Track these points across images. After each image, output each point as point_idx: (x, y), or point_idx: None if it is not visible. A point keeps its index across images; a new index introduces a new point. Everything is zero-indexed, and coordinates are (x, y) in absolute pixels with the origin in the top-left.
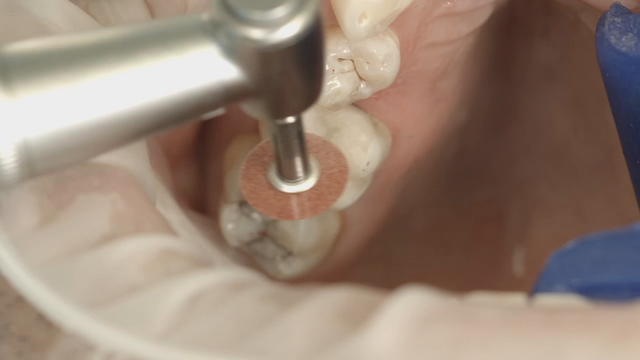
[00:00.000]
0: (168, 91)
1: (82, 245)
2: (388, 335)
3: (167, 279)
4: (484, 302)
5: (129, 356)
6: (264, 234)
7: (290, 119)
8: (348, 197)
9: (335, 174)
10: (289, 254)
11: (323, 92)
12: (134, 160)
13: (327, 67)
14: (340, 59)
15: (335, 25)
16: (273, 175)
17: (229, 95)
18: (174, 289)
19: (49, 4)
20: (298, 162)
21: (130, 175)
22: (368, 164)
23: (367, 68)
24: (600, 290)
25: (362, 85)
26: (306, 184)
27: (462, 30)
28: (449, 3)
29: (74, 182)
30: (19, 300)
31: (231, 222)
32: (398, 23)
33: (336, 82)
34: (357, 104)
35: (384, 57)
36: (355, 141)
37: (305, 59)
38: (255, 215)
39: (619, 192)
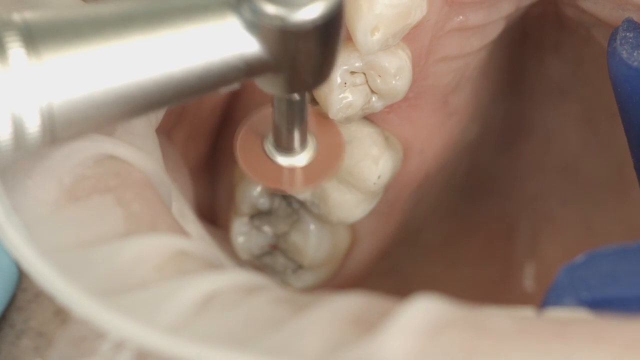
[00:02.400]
0: (189, 62)
1: (94, 240)
2: (400, 341)
3: (180, 279)
4: (495, 313)
5: (138, 346)
6: (275, 247)
7: (297, 96)
8: (359, 210)
9: (332, 150)
10: (299, 267)
11: (335, 105)
12: (149, 162)
13: (339, 80)
14: (352, 72)
15: (348, 38)
16: (270, 146)
17: (248, 69)
18: (187, 288)
19: (60, 5)
20: (297, 136)
21: (146, 177)
22: (379, 177)
23: (379, 81)
24: (610, 304)
25: (373, 99)
26: (302, 158)
27: (474, 45)
28: (461, 17)
29: (90, 180)
30: (38, 296)
31: (242, 235)
32: (410, 36)
33: (348, 95)
34: (369, 118)
35: (396, 70)
36: (366, 155)
37: (325, 39)
38: (266, 229)
39: (630, 208)
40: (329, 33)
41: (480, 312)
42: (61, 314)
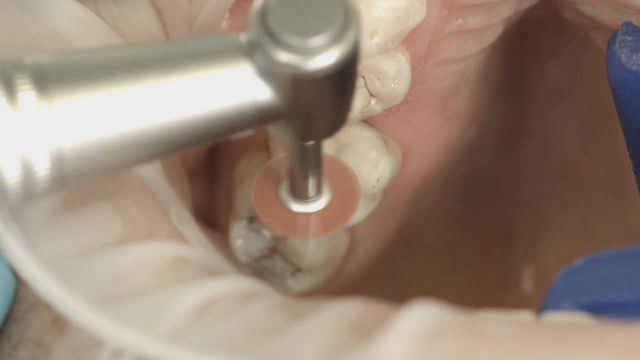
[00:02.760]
0: (202, 108)
1: (93, 247)
2: (398, 347)
3: (179, 286)
4: (493, 318)
5: (137, 354)
6: (274, 250)
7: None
8: (358, 213)
9: (347, 196)
10: (298, 270)
11: None
12: (147, 168)
13: None
14: None
15: None
16: (284, 192)
17: (261, 117)
18: (185, 295)
19: (61, 9)
20: (312, 183)
21: (144, 183)
22: (378, 180)
23: (378, 85)
24: (608, 308)
25: (372, 102)
26: (317, 205)
27: (473, 48)
28: (460, 20)
29: (88, 187)
30: (34, 305)
31: (241, 238)
32: (409, 40)
33: None
34: (368, 121)
35: (395, 73)
36: (365, 158)
37: (339, 86)
38: (265, 232)
39: (629, 211)
40: (344, 80)
41: (478, 317)
42: (59, 323)
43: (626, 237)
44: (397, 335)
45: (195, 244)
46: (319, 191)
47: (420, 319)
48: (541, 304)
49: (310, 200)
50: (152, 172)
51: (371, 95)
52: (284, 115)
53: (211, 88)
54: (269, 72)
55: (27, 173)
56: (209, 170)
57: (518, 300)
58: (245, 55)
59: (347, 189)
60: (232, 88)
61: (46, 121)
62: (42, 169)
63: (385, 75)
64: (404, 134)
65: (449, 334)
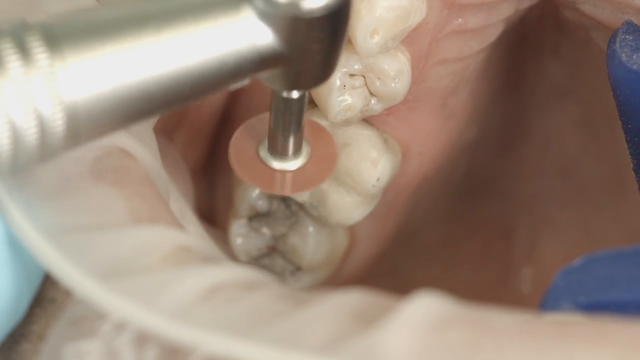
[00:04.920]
0: (207, 55)
1: (95, 226)
2: (402, 336)
3: (185, 268)
4: (497, 312)
5: (140, 328)
6: (273, 249)
7: (297, 94)
8: (357, 212)
9: (325, 157)
10: (297, 269)
11: (334, 108)
12: (146, 153)
13: (338, 83)
14: (352, 75)
15: (347, 40)
16: (264, 149)
17: (261, 61)
18: (191, 277)
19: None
20: (292, 141)
21: (144, 172)
22: (378, 179)
23: (378, 84)
24: (607, 309)
25: (372, 101)
26: (294, 164)
27: (473, 47)
28: (460, 20)
29: (89, 175)
30: (40, 300)
31: (240, 236)
32: (409, 39)
33: (347, 98)
34: (368, 120)
35: (395, 73)
36: (365, 157)
37: (336, 26)
38: (264, 230)
39: (628, 210)
40: (338, 20)
41: (483, 310)
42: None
43: (625, 237)
44: (402, 324)
45: (197, 238)
46: (298, 151)
47: (425, 309)
48: (540, 304)
49: (289, 158)
50: (151, 158)
51: (371, 94)
52: (282, 58)
53: (215, 34)
54: (268, 14)
55: (44, 130)
56: (209, 169)
57: (516, 298)
58: (246, 0)
59: (325, 151)
60: (234, 33)
61: (61, 79)
62: (58, 125)
63: (386, 75)
64: (404, 133)
65: (454, 324)
